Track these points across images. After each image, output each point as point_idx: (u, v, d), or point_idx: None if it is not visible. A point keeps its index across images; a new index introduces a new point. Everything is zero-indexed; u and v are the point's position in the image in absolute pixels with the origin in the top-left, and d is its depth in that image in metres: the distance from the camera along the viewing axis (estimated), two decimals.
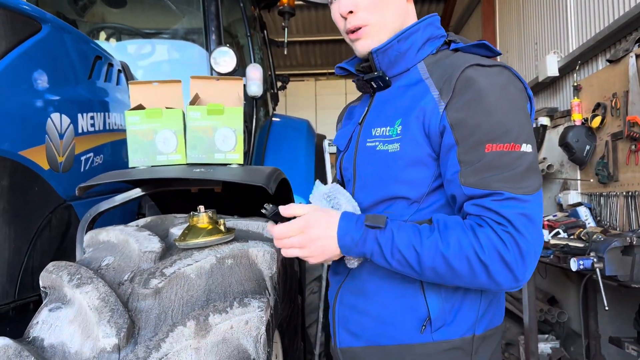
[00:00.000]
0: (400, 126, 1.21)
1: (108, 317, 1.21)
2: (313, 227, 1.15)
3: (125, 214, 3.04)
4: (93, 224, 1.91)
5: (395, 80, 1.30)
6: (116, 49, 3.74)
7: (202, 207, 1.46)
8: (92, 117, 2.52)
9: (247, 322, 1.25)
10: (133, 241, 1.48)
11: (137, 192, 1.88)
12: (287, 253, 1.19)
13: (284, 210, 1.19)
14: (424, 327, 1.18)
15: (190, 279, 1.35)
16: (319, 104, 11.37)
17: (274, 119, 4.24)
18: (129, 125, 1.74)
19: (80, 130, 2.40)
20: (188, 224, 1.47)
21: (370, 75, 1.31)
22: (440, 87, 1.15)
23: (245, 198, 2.31)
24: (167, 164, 1.75)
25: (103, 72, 2.74)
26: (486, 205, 1.06)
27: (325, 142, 3.09)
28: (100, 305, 1.24)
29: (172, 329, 1.20)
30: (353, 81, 1.42)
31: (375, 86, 1.33)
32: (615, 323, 3.74)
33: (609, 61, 3.73)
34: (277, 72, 4.89)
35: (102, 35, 3.88)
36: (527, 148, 1.08)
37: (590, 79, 4.05)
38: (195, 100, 1.75)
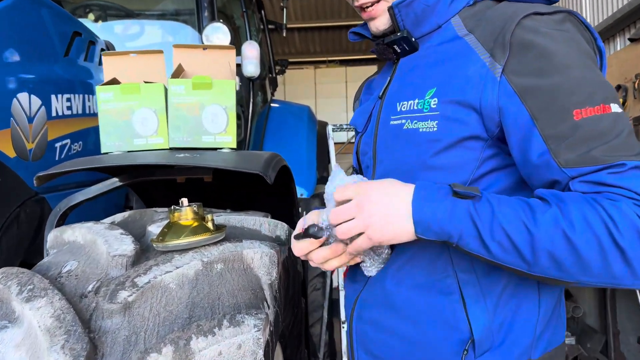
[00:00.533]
0: (435, 98, 0.95)
1: (62, 341, 0.94)
2: (375, 199, 0.88)
3: (109, 208, 2.78)
4: (64, 220, 1.64)
5: (424, 41, 1.04)
6: (102, 29, 3.46)
7: (185, 200, 1.19)
8: (68, 99, 2.25)
9: (240, 346, 0.98)
10: (101, 242, 1.21)
11: (113, 182, 1.61)
12: (344, 232, 0.91)
13: (338, 195, 0.92)
14: (465, 351, 0.92)
15: (169, 290, 1.08)
16: (319, 92, 11.07)
17: (272, 104, 3.97)
18: (101, 104, 1.47)
19: (54, 114, 2.12)
20: (168, 220, 1.20)
21: (392, 37, 1.04)
22: (490, 47, 0.90)
23: (241, 189, 2.04)
24: (146, 148, 1.48)
25: (83, 50, 2.45)
26: (605, 181, 0.80)
27: (329, 128, 2.82)
28: (54, 325, 0.97)
29: (143, 356, 0.93)
30: (372, 50, 1.16)
31: (398, 50, 1.06)
32: (634, 318, 3.49)
33: (631, 40, 3.46)
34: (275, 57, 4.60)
35: (91, 16, 3.61)
36: (617, 108, 0.84)
37: (609, 60, 3.78)
38: (178, 73, 1.47)
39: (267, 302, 1.17)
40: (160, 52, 1.56)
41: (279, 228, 1.46)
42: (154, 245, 1.17)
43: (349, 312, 1.10)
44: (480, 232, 0.82)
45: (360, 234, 0.89)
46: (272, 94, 4.38)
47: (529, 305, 0.95)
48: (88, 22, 3.51)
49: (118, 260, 1.14)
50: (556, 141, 0.83)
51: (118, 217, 1.58)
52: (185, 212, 1.17)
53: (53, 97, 2.12)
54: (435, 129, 0.94)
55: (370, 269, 1.02)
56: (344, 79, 11.11)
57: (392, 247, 1.01)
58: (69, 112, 2.22)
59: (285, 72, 4.70)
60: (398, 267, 1.00)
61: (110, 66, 1.56)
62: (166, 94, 1.46)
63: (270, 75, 4.30)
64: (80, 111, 2.34)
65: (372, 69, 11.10)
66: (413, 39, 1.03)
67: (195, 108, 1.42)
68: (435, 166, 0.95)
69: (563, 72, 0.84)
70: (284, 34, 4.37)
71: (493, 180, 0.94)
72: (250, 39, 3.20)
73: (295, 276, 1.72)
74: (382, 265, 1.02)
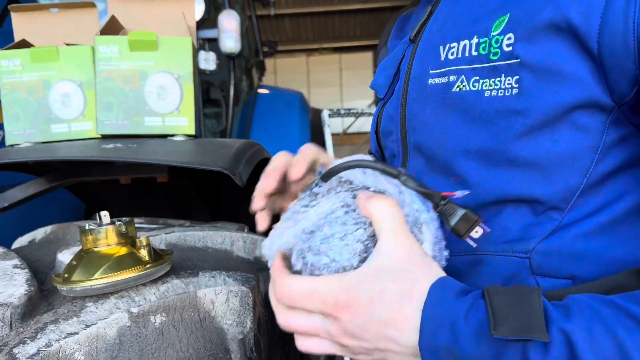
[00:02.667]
0: (510, 34, 0.53)
1: None
2: (360, 308, 0.47)
3: (67, 212, 2.35)
4: None
5: None
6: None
7: (105, 214, 0.76)
8: None
9: None
10: None
11: (36, 185, 1.18)
12: (303, 346, 0.52)
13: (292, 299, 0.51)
14: None
15: None
16: (312, 81, 10.63)
17: (260, 90, 3.53)
18: (5, 76, 1.04)
19: None
20: (80, 247, 0.78)
21: None
22: None
23: (216, 191, 1.62)
24: (68, 138, 1.05)
25: None
26: None
27: (325, 113, 2.39)
28: None
29: None
30: None
31: None
32: None
33: None
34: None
35: None
36: None
37: None
38: (112, 29, 1.04)
39: None
40: (92, 5, 1.13)
41: (260, 246, 1.04)
42: (58, 287, 0.74)
43: None
44: None
45: None
46: (260, 79, 3.94)
47: None
48: None
49: None
50: None
51: (39, 233, 1.15)
52: (105, 234, 0.74)
53: None
54: (515, 90, 0.52)
55: None
56: (338, 66, 10.68)
57: None
58: None
59: (274, 55, 4.25)
60: None
61: (22, 26, 1.13)
62: (95, 59, 1.03)
63: (257, 58, 3.86)
64: None
65: (369, 56, 10.66)
66: None
67: (134, 78, 0.99)
68: (516, 160, 0.54)
69: None
70: (272, 13, 3.93)
71: (624, 188, 0.52)
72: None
73: None
74: None
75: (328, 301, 0.48)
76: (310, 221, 0.52)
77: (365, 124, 7.13)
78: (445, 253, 0.53)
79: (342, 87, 10.68)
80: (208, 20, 2.27)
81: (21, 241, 1.15)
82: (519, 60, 0.51)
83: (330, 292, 0.48)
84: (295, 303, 0.50)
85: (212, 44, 2.32)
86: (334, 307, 0.48)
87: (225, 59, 2.46)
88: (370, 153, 0.86)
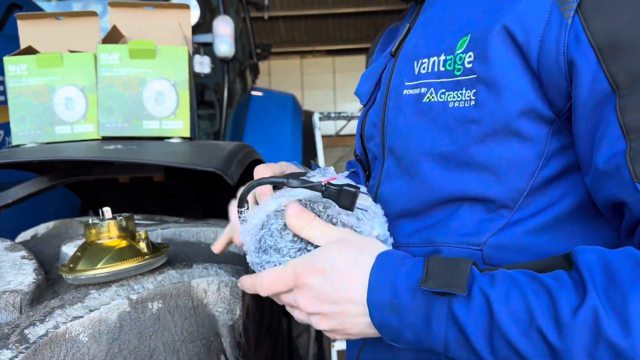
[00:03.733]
0: (471, 52, 0.60)
1: None
2: (317, 276, 0.59)
3: (63, 209, 2.41)
4: None
5: None
6: (57, 8, 3.08)
7: (107, 210, 0.83)
8: (1, 83, 1.88)
9: None
10: None
11: (38, 183, 1.25)
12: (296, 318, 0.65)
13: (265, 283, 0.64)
14: None
15: (78, 346, 0.73)
16: (306, 83, 10.70)
17: (253, 92, 3.60)
18: (11, 80, 1.11)
19: None
20: (83, 239, 0.85)
21: None
22: None
23: (210, 189, 1.69)
24: (71, 139, 1.12)
25: None
26: None
27: (316, 117, 2.46)
28: None
29: None
30: None
31: None
32: None
33: None
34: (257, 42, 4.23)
35: None
36: None
37: None
38: (113, 38, 1.11)
39: (225, 355, 0.82)
40: (94, 14, 1.20)
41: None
42: (63, 276, 0.81)
43: None
44: (474, 344, 0.52)
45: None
46: (254, 82, 4.01)
47: None
48: (41, 0, 3.13)
49: (8, 299, 0.78)
50: None
51: (41, 228, 1.22)
52: (107, 228, 0.81)
53: None
54: (472, 102, 0.60)
55: None
56: (332, 69, 10.76)
57: None
58: (2, 98, 1.86)
59: (267, 57, 4.32)
60: None
61: (28, 33, 1.19)
62: (97, 66, 1.10)
63: (251, 60, 3.93)
64: None
65: (362, 59, 10.74)
66: None
67: (133, 84, 1.06)
68: (472, 163, 0.61)
69: None
70: (266, 16, 4.00)
71: (565, 190, 0.60)
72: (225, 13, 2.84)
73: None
74: None
75: (289, 276, 0.59)
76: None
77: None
78: (391, 240, 0.64)
79: (335, 89, 10.76)
80: (203, 25, 2.34)
81: (24, 236, 1.22)
82: (476, 75, 0.59)
83: (289, 269, 0.60)
84: (272, 289, 0.62)
85: (206, 48, 2.40)
86: (296, 279, 0.59)
87: (219, 62, 2.53)
88: (355, 155, 0.93)
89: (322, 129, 3.37)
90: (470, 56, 0.60)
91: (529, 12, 0.55)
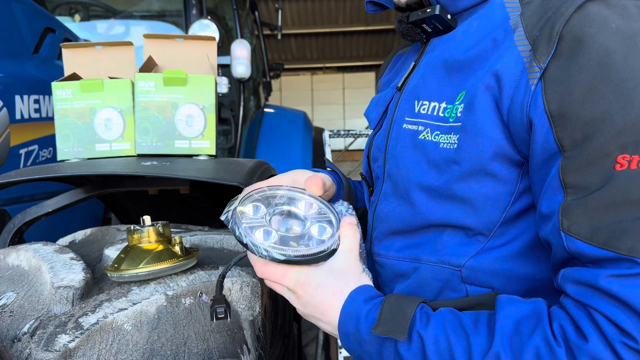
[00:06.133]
0: (463, 104, 0.71)
1: None
2: (309, 289, 0.74)
3: (86, 220, 2.55)
4: (20, 238, 1.42)
5: (464, 17, 0.78)
6: (82, 28, 3.26)
7: (147, 218, 0.97)
8: (36, 101, 2.03)
9: None
10: (46, 269, 0.98)
11: (76, 194, 1.39)
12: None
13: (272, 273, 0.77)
14: None
15: (123, 333, 0.86)
16: (316, 99, 10.87)
17: (266, 109, 3.75)
18: (58, 103, 1.25)
19: (18, 117, 1.91)
20: (126, 244, 0.98)
21: (420, 14, 0.79)
22: (533, 37, 0.65)
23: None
24: (109, 155, 1.26)
25: (57, 49, 2.24)
26: (602, 287, 0.56)
27: (326, 134, 2.60)
28: None
29: None
30: (396, 29, 0.88)
31: (429, 30, 0.81)
32: None
33: None
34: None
35: (77, 18, 3.40)
36: None
37: None
38: (148, 67, 1.26)
39: (247, 345, 0.94)
40: (130, 43, 1.35)
41: None
42: (108, 274, 0.95)
43: None
44: None
45: None
46: (267, 99, 4.17)
47: None
48: (68, 21, 3.30)
49: (62, 294, 0.92)
50: (576, 192, 0.60)
51: (79, 235, 1.36)
52: (147, 233, 0.95)
53: (17, 98, 1.90)
54: (455, 145, 0.71)
55: None
56: (342, 85, 10.93)
57: None
58: (36, 115, 2.01)
59: (280, 76, 4.49)
60: None
61: (71, 60, 1.34)
62: (134, 91, 1.24)
63: (265, 79, 4.09)
64: (50, 114, 2.13)
65: (371, 76, 10.92)
66: (449, 16, 0.77)
67: (166, 108, 1.20)
68: (455, 196, 0.72)
69: (623, 97, 0.58)
70: (279, 37, 4.17)
71: (533, 222, 0.70)
72: (242, 38, 3.00)
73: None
74: None
75: (292, 280, 0.73)
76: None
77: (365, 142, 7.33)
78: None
79: (344, 105, 10.93)
80: (222, 48, 2.50)
81: (63, 241, 1.35)
82: (460, 123, 0.71)
83: (296, 274, 0.73)
84: (273, 279, 0.75)
85: (224, 69, 2.55)
86: (295, 285, 0.73)
87: (235, 82, 2.68)
88: (361, 175, 1.04)
89: (332, 144, 3.52)
90: (462, 107, 0.71)
91: (504, 74, 0.66)
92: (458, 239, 0.74)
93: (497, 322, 0.62)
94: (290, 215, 0.80)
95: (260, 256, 0.71)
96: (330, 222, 0.78)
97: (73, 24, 3.30)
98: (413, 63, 0.86)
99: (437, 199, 0.74)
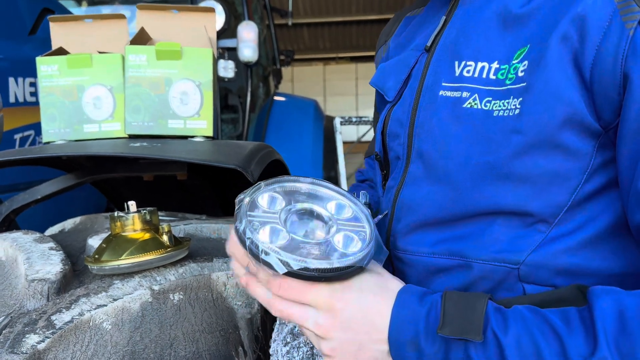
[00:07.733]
0: (527, 61, 0.58)
1: None
2: (352, 296, 0.58)
3: (88, 209, 2.47)
4: (9, 226, 1.33)
5: None
6: (86, 12, 3.17)
7: (132, 204, 0.86)
8: (33, 84, 1.94)
9: None
10: (22, 260, 0.88)
11: (65, 180, 1.29)
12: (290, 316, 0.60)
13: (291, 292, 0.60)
14: None
15: (101, 333, 0.75)
16: (328, 89, 10.75)
17: (276, 97, 3.64)
18: (43, 80, 1.15)
19: (12, 100, 1.82)
20: (108, 232, 0.88)
21: None
22: None
23: (232, 188, 1.72)
24: (99, 137, 1.15)
25: None
26: None
27: (337, 121, 2.48)
28: None
29: None
30: None
31: None
32: None
33: None
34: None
35: (84, 4, 3.32)
36: None
37: None
38: (141, 40, 1.15)
39: (243, 346, 0.84)
40: (123, 16, 1.24)
41: None
42: (89, 266, 0.84)
43: None
44: None
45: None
46: (277, 87, 4.06)
47: None
48: (75, 6, 3.22)
49: (37, 287, 0.82)
50: None
51: (68, 223, 1.26)
52: (132, 221, 0.84)
53: (12, 80, 1.82)
54: (517, 111, 0.58)
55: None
56: (354, 75, 10.79)
57: None
58: (33, 99, 1.92)
59: (290, 63, 4.37)
60: None
61: (59, 35, 1.24)
62: (125, 66, 1.14)
63: (275, 66, 3.97)
64: None
65: None
66: None
67: (159, 84, 1.09)
68: (513, 175, 0.59)
69: None
70: (290, 23, 4.05)
71: (605, 206, 0.58)
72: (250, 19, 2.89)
73: None
74: None
75: (324, 291, 0.57)
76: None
77: None
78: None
79: (357, 96, 10.79)
80: (228, 30, 2.39)
81: (52, 230, 1.26)
82: (525, 84, 0.57)
83: (327, 285, 0.57)
84: (294, 295, 0.58)
85: (231, 53, 2.44)
86: (331, 296, 0.57)
87: (243, 67, 2.57)
88: (375, 154, 0.86)
89: (344, 135, 3.39)
90: (524, 65, 0.58)
91: (588, 17, 0.53)
92: (513, 228, 0.60)
93: (596, 320, 0.49)
94: (312, 215, 0.65)
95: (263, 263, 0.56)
96: (361, 232, 0.63)
97: (79, 9, 3.22)
98: (444, 17, 0.72)
99: (488, 179, 0.60)
